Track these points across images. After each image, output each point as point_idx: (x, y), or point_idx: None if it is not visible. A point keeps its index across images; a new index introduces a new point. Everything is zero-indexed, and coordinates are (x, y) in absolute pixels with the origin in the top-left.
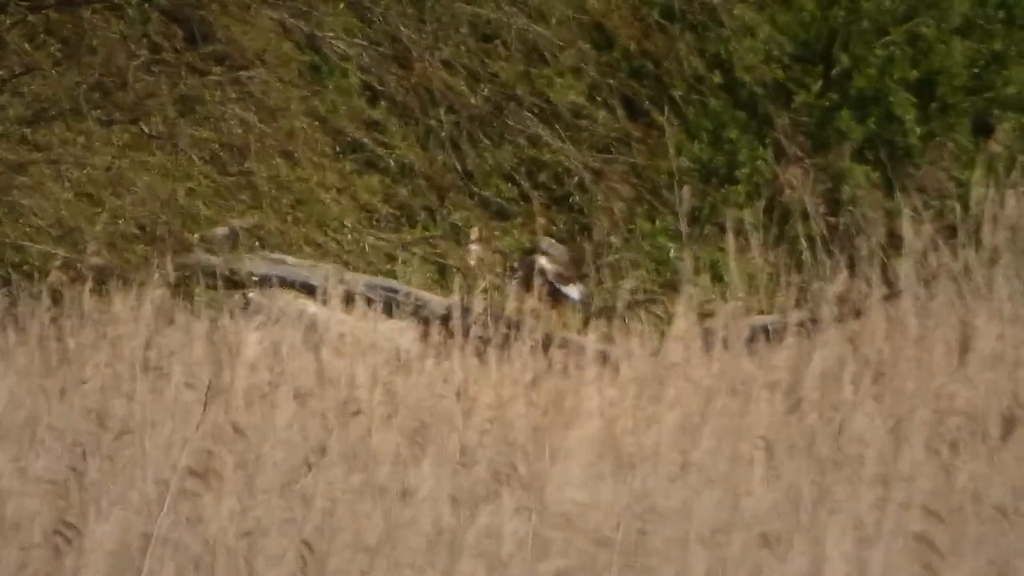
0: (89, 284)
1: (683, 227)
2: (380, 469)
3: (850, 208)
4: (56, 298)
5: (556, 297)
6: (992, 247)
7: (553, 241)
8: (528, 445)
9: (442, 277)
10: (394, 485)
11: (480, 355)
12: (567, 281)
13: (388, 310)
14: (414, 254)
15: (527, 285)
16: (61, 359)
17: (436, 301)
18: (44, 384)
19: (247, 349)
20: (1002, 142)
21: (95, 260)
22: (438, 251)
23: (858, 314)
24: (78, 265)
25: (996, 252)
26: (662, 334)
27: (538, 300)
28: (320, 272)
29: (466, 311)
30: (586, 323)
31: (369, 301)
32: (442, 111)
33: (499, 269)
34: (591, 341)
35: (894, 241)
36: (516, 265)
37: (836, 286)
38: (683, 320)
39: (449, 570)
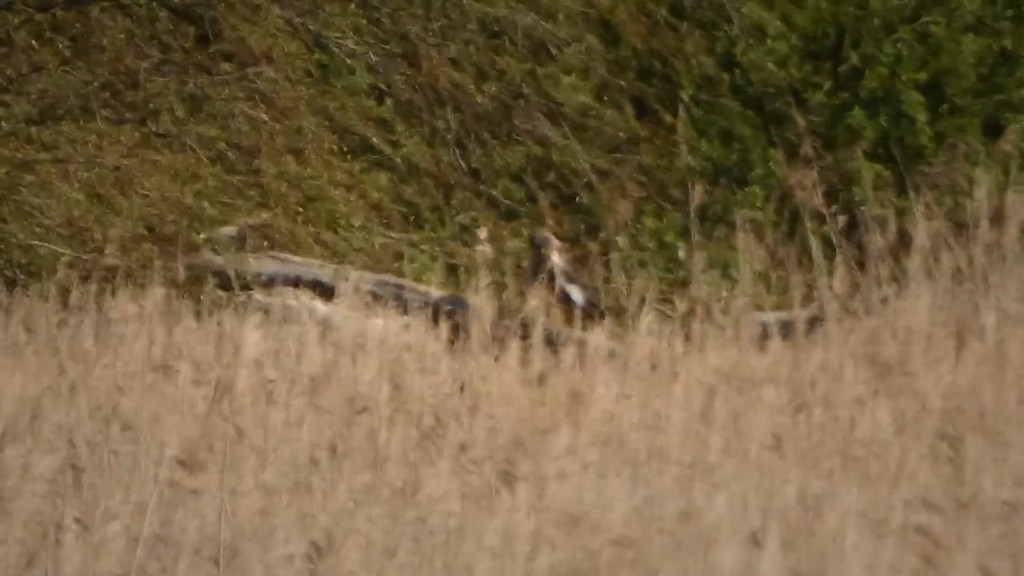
0: (98, 284)
1: (693, 225)
2: (387, 467)
3: (861, 207)
4: (64, 297)
5: (561, 296)
6: (1001, 246)
7: (549, 234)
8: (535, 443)
9: (450, 276)
10: (401, 484)
11: (488, 352)
12: (573, 281)
13: (396, 308)
14: (423, 252)
15: (535, 283)
16: (69, 358)
17: (444, 299)
18: (52, 382)
19: (254, 348)
20: (1012, 143)
21: (108, 261)
22: (447, 250)
23: (867, 312)
24: (87, 265)
25: (1005, 251)
26: (670, 333)
27: (546, 299)
28: (328, 271)
29: (474, 309)
30: (589, 323)
31: (377, 299)
32: (449, 110)
33: (507, 268)
34: (598, 339)
35: (904, 239)
36: (525, 264)
37: (845, 284)
38: (690, 318)
39: (456, 569)
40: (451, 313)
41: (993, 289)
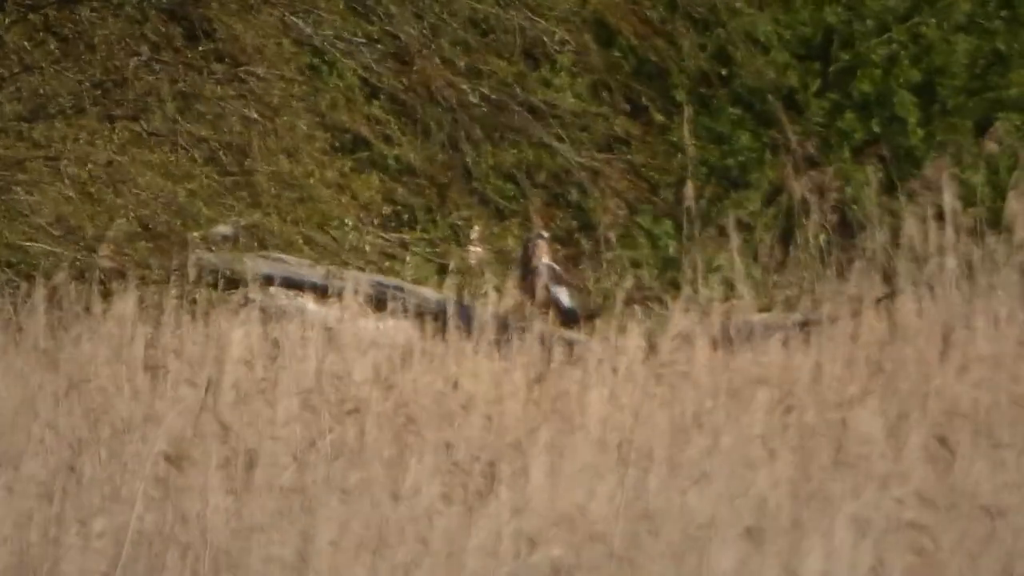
0: (90, 283)
1: (686, 226)
2: (377, 467)
3: (853, 208)
4: (55, 297)
5: (550, 298)
6: (993, 247)
7: (545, 235)
8: (526, 443)
9: (442, 276)
10: (391, 483)
11: (479, 353)
12: (562, 282)
13: (388, 308)
14: (414, 253)
15: (524, 285)
16: (60, 358)
17: (436, 299)
18: (43, 383)
19: (246, 347)
20: (1001, 141)
21: (100, 261)
22: (438, 250)
23: (859, 313)
24: (78, 264)
25: (997, 252)
26: (661, 333)
27: (535, 300)
28: (320, 271)
29: (465, 310)
30: (579, 323)
31: (369, 299)
32: (441, 109)
33: (498, 268)
34: (589, 340)
35: (896, 241)
36: (514, 265)
37: (837, 285)
38: (683, 318)
39: (446, 569)
40: (443, 313)
41: (985, 289)
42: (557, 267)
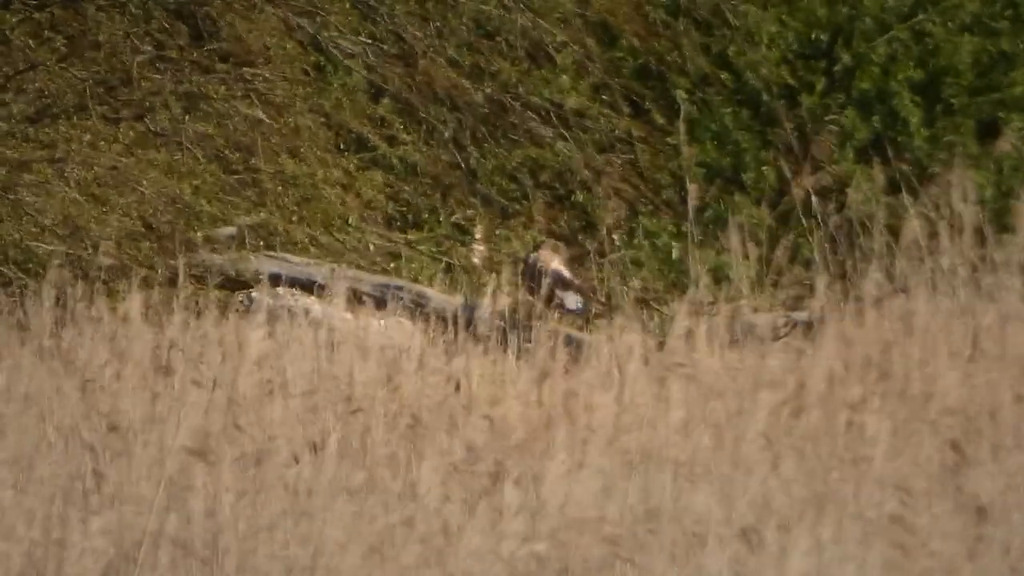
0: (95, 283)
1: (690, 226)
2: (382, 467)
3: (856, 208)
4: (61, 297)
5: (557, 302)
6: (998, 246)
7: (556, 243)
8: (531, 443)
9: (446, 275)
10: (396, 484)
11: (484, 354)
12: (567, 286)
13: (392, 308)
14: (419, 253)
15: (530, 287)
16: (67, 358)
17: (440, 299)
18: (51, 383)
19: (251, 347)
20: (1010, 143)
21: (105, 260)
22: (442, 250)
23: (863, 314)
24: (83, 263)
25: (1002, 252)
26: (665, 333)
27: (541, 302)
28: (324, 270)
29: (470, 310)
30: (585, 325)
31: (373, 299)
32: (446, 110)
33: (503, 269)
34: (594, 340)
35: (900, 241)
36: (519, 267)
37: (841, 285)
38: (687, 319)
39: (450, 568)
40: (447, 313)
41: (989, 289)
42: (564, 271)
